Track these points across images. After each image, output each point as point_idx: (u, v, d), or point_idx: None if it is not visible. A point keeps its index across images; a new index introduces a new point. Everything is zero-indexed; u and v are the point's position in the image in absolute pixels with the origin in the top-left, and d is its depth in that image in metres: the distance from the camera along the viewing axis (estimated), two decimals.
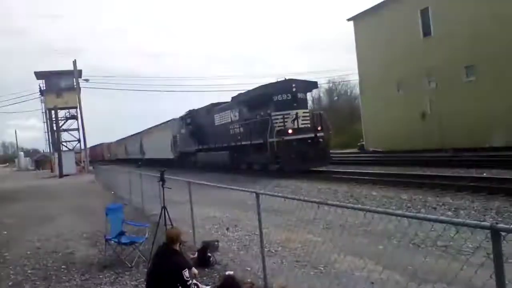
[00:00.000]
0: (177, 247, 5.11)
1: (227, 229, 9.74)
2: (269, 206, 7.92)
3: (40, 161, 68.52)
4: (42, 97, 49.61)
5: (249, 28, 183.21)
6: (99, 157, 75.75)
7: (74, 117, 50.09)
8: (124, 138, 58.96)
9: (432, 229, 4.07)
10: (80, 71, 44.31)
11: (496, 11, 24.42)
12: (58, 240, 9.87)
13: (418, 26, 30.54)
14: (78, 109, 43.86)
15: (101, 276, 6.72)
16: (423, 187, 13.07)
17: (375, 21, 34.22)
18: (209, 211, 12.16)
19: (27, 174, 52.96)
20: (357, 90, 73.57)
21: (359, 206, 6.84)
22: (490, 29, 24.77)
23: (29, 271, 7.38)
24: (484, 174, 14.82)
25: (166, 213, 6.97)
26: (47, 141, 52.08)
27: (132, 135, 53.08)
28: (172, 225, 7.19)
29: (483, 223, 3.09)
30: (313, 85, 23.27)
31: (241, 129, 22.92)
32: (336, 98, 74.06)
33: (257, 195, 5.57)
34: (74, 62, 41.77)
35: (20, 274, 7.28)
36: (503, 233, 2.61)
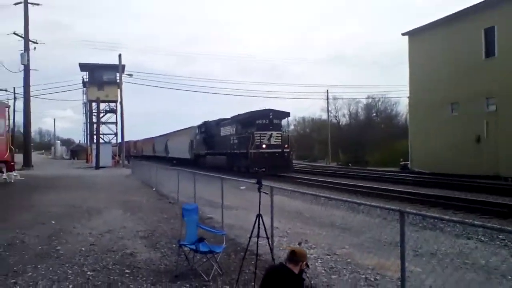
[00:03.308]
0: (297, 270, 4.04)
1: (300, 244, 8.67)
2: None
3: (76, 151, 69.39)
4: (84, 89, 49.82)
5: (287, 37, 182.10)
6: (125, 153, 77.38)
7: (113, 110, 50.15)
8: (152, 138, 63.71)
9: None
10: (124, 66, 44.16)
11: None
12: (112, 237, 9.01)
13: (480, 45, 28.81)
14: (118, 103, 43.70)
15: None
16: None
17: (432, 37, 32.66)
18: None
19: (63, 163, 53.31)
20: (397, 108, 72.32)
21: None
22: None
23: (88, 273, 6.46)
24: None
25: (262, 223, 5.92)
26: (84, 132, 52.28)
27: (160, 136, 57.62)
28: (268, 237, 6.16)
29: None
30: (286, 114, 30.11)
31: (235, 141, 30.12)
32: (374, 114, 72.28)
33: (402, 213, 4.47)
34: (119, 56, 41.69)
35: (80, 275, 6.36)
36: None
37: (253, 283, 5.81)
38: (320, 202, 15.55)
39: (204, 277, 6.06)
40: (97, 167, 37.62)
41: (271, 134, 27.44)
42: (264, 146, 26.81)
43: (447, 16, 31.24)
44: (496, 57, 27.88)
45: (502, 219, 11.66)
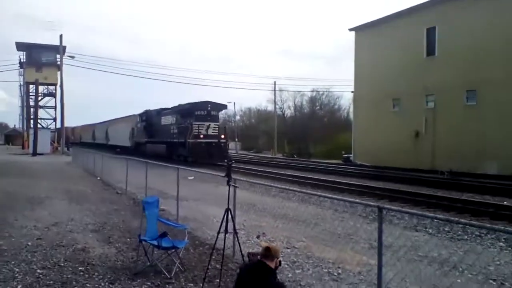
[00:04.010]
0: (273, 265, 3.96)
1: (258, 237, 8.59)
2: None
3: (10, 136, 65.59)
4: (21, 70, 46.81)
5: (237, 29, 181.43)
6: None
7: (52, 94, 47.48)
8: (93, 124, 62.38)
9: None
10: (65, 47, 41.93)
11: (501, 37, 24.16)
12: (60, 230, 8.48)
13: (422, 44, 30.07)
14: (58, 86, 41.48)
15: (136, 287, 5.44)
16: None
17: (377, 34, 33.64)
18: (215, 211, 11.04)
19: None
20: (340, 102, 74.25)
21: None
22: (494, 54, 24.52)
23: (38, 271, 5.99)
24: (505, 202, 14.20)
25: (231, 218, 5.71)
26: (21, 116, 49.26)
27: (100, 123, 56.60)
28: (236, 232, 5.96)
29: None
30: (223, 106, 32.75)
31: (175, 131, 31.05)
32: (318, 107, 73.79)
33: (380, 209, 4.45)
34: (61, 37, 39.68)
35: (28, 273, 5.87)
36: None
37: (218, 280, 5.66)
38: (271, 193, 15.66)
39: (166, 274, 5.81)
40: (34, 153, 35.69)
41: (209, 125, 28.74)
42: (201, 136, 28.07)
43: (392, 14, 32.28)
44: (436, 56, 29.21)
45: (445, 212, 12.21)
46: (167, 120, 33.46)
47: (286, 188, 10.17)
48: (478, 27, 25.53)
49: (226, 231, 5.65)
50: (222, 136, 29.17)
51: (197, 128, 28.38)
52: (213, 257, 6.96)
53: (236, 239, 6.08)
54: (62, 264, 6.31)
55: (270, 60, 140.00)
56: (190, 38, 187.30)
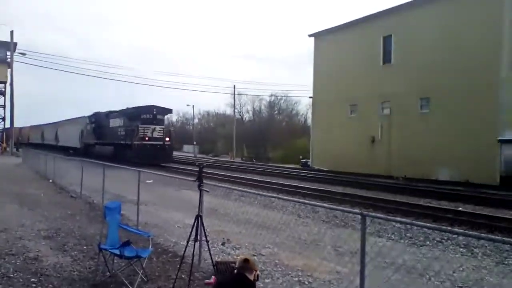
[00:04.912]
0: (252, 278, 3.76)
1: (223, 244, 8.30)
2: None
3: None
4: None
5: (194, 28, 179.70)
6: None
7: (1, 92, 45.19)
8: (40, 125, 61.90)
9: None
10: (16, 43, 40.04)
11: (450, 46, 25.09)
12: (9, 237, 7.86)
13: (379, 52, 30.81)
14: (8, 84, 39.47)
15: None
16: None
17: (336, 40, 34.21)
18: (177, 216, 10.73)
19: None
20: (298, 107, 75.08)
21: None
22: (444, 63, 25.44)
23: None
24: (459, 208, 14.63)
25: (201, 226, 5.39)
26: None
27: (49, 124, 56.24)
28: (207, 241, 5.64)
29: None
30: (168, 110, 33.48)
31: (122, 133, 32.05)
32: (276, 112, 74.30)
33: (363, 216, 4.30)
34: (11, 33, 37.73)
35: None
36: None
37: None
38: (232, 197, 15.36)
39: (128, 286, 5.42)
40: None
41: (154, 128, 30.18)
42: (147, 138, 29.46)
43: (351, 21, 32.93)
44: (392, 64, 30.03)
45: (405, 216, 12.37)
46: (115, 122, 34.32)
47: (264, 195, 10.00)
48: (430, 36, 26.43)
49: (196, 239, 5.36)
50: (167, 139, 30.70)
51: (143, 130, 29.69)
52: (177, 266, 6.66)
53: (208, 247, 5.77)
54: (12, 275, 5.78)
55: (230, 64, 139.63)
56: (151, 39, 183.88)
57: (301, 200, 7.61)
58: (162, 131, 30.80)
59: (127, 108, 33.72)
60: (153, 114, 30.62)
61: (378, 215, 5.60)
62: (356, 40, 32.17)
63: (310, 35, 37.15)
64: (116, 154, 32.23)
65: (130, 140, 29.83)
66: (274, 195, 12.17)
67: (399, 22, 29.12)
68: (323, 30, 35.86)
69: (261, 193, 10.40)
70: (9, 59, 39.60)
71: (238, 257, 4.47)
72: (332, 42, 34.69)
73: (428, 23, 26.74)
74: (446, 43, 25.37)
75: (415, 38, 27.71)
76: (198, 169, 5.63)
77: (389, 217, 5.35)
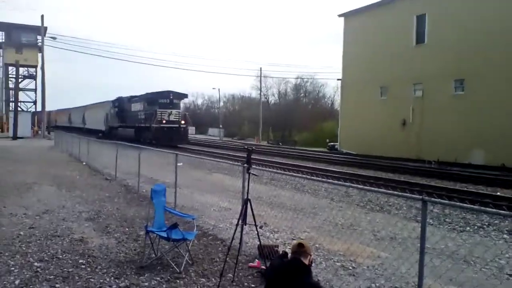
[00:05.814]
0: (307, 262, 3.71)
1: (261, 227, 8.26)
2: None
3: None
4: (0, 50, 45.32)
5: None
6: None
7: (32, 76, 46.12)
8: (68, 108, 64.31)
9: None
10: (46, 28, 40.56)
11: (489, 27, 24.11)
12: (52, 219, 8.02)
13: (412, 32, 29.94)
14: (39, 68, 40.21)
15: (145, 283, 5.06)
16: None
17: (367, 20, 33.40)
18: (211, 199, 10.74)
19: None
20: (325, 90, 74.24)
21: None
22: (483, 44, 24.51)
23: (36, 264, 5.57)
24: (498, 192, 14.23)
25: (250, 209, 5.36)
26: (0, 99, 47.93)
27: (76, 107, 58.68)
28: (256, 225, 5.61)
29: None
30: (184, 95, 35.96)
31: (142, 116, 34.37)
32: (302, 95, 73.60)
33: (424, 202, 4.17)
34: (42, 17, 38.35)
35: (25, 267, 5.44)
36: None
37: (230, 275, 5.35)
38: (263, 181, 15.33)
39: (175, 268, 5.46)
40: (15, 137, 34.67)
41: (171, 112, 32.32)
42: (164, 121, 31.49)
43: (383, 0, 32.00)
44: (425, 44, 29.13)
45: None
46: (136, 107, 36.71)
47: (313, 179, 9.86)
48: (466, 15, 25.50)
49: (244, 223, 5.32)
50: (183, 122, 32.92)
51: (161, 114, 31.78)
52: (219, 249, 6.68)
53: (256, 231, 5.73)
54: (61, 257, 5.89)
55: (256, 46, 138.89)
56: (175, 22, 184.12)
57: (353, 185, 7.45)
58: (178, 115, 32.95)
59: (147, 93, 35.85)
60: (169, 99, 32.76)
61: (441, 200, 5.41)
62: (388, 20, 31.31)
63: (339, 15, 36.38)
64: (137, 136, 34.37)
65: (149, 123, 32.05)
66: (323, 179, 12.05)
67: (434, 0, 28.17)
68: (353, 10, 35.02)
69: (314, 178, 10.34)
70: (40, 43, 40.18)
71: (293, 242, 4.42)
72: (363, 22, 33.88)
73: (463, 3, 25.79)
74: (483, 22, 24.43)
75: (450, 18, 26.77)
76: (246, 153, 5.58)
77: (452, 202, 5.13)
